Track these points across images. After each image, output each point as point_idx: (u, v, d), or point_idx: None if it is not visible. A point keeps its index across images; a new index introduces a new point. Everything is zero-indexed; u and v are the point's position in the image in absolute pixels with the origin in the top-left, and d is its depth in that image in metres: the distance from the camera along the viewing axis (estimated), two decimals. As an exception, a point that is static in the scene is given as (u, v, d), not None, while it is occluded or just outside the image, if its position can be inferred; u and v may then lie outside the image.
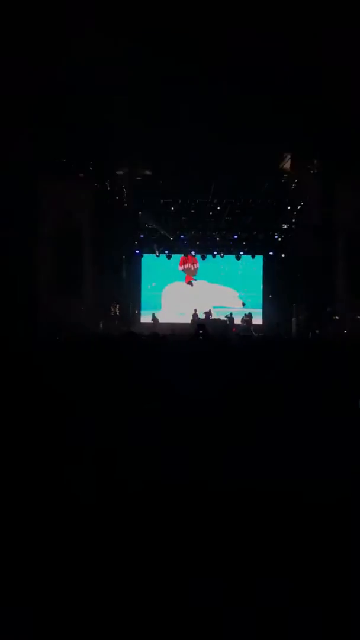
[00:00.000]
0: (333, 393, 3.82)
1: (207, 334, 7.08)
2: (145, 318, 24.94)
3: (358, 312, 19.77)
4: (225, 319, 23.55)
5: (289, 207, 22.92)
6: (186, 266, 25.94)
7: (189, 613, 1.63)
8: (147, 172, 20.06)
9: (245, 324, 23.53)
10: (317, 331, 19.80)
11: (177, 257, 25.81)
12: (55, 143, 17.40)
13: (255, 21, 14.13)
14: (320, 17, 13.89)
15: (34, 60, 14.21)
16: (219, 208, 22.98)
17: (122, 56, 14.30)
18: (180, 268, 25.93)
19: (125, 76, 14.80)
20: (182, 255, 25.73)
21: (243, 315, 24.21)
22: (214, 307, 24.40)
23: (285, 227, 24.98)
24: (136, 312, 25.72)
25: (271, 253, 26.45)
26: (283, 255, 26.13)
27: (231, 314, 23.91)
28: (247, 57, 14.92)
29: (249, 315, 24.16)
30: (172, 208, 22.98)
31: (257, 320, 25.05)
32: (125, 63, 14.46)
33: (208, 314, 23.45)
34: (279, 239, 25.81)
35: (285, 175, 20.07)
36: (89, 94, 14.22)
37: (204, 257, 25.69)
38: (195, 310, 23.91)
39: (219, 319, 23.38)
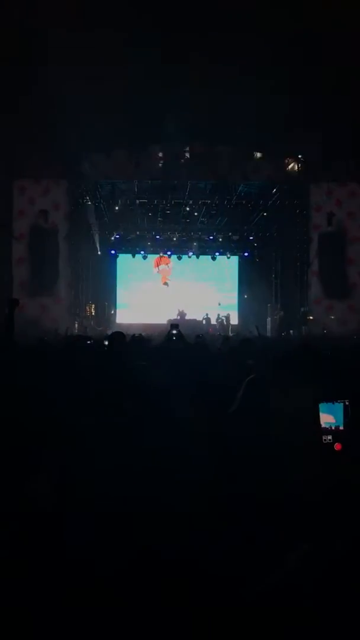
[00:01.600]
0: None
1: (180, 334, 7.04)
2: (121, 318, 24.90)
3: (332, 313, 20.00)
4: (202, 319, 23.62)
5: (264, 214, 23.09)
6: (161, 267, 25.96)
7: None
8: (124, 172, 19.99)
9: (220, 324, 23.63)
10: (291, 331, 19.98)
11: (153, 258, 25.83)
12: (28, 141, 17.22)
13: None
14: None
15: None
16: (195, 209, 23.04)
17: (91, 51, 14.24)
18: (155, 269, 25.95)
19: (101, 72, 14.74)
20: (158, 255, 25.75)
21: (218, 315, 24.31)
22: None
23: (260, 227, 25.20)
24: (112, 312, 25.65)
25: (246, 254, 26.66)
26: (257, 257, 26.36)
27: (207, 315, 24.00)
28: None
29: (226, 317, 24.26)
30: (149, 208, 22.97)
31: (233, 320, 25.18)
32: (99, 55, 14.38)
33: (182, 314, 23.50)
34: (254, 241, 26.03)
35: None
36: (61, 89, 14.08)
37: (179, 258, 25.76)
38: (182, 311, 23.84)
39: (194, 320, 23.43)
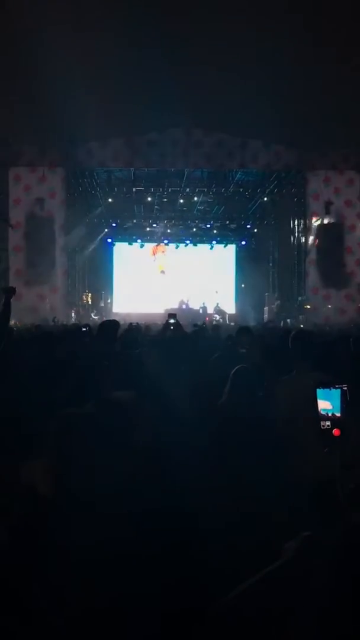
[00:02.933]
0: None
1: (178, 323, 6.99)
2: (118, 307, 24.86)
3: (329, 302, 20.00)
4: (198, 308, 23.59)
5: (264, 199, 23.01)
6: (157, 255, 25.89)
7: None
8: (120, 160, 19.87)
9: (218, 313, 23.60)
10: (288, 320, 19.98)
11: (149, 246, 25.75)
12: (24, 129, 17.08)
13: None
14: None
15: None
16: (192, 197, 22.94)
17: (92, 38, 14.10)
18: (152, 257, 25.88)
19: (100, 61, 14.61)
20: (155, 244, 25.67)
21: (216, 304, 24.27)
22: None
23: (258, 216, 25.14)
24: (108, 301, 25.61)
25: (243, 242, 26.60)
26: (255, 245, 26.32)
27: (204, 304, 23.97)
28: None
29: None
30: (145, 196, 22.87)
31: (230, 309, 25.17)
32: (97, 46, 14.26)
33: (182, 303, 23.47)
34: (251, 229, 25.97)
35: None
36: (57, 75, 13.95)
37: (176, 246, 25.68)
38: (183, 300, 23.76)
39: (191, 309, 23.41)
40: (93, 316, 21.83)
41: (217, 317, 22.61)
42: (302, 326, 15.34)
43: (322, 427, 1.39)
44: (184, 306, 23.23)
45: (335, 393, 1.45)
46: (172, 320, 6.97)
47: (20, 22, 13.74)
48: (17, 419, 3.07)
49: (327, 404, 1.45)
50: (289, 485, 3.02)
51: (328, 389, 1.45)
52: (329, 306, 19.98)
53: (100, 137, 19.21)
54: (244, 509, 2.56)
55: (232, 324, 18.19)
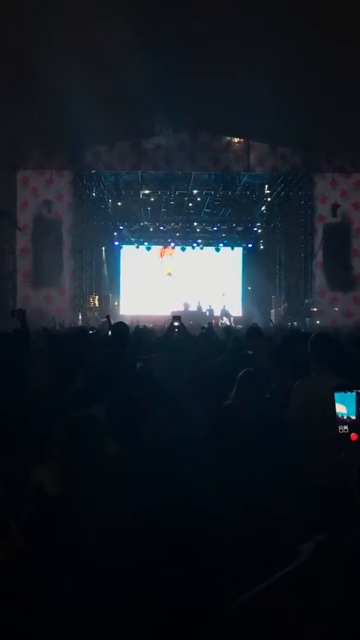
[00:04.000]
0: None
1: (182, 326, 6.98)
2: (125, 309, 24.86)
3: (336, 305, 19.96)
4: (205, 310, 23.55)
5: (269, 200, 22.98)
6: (165, 258, 25.90)
7: None
8: (127, 163, 19.91)
9: (225, 315, 23.56)
10: (295, 323, 19.92)
11: (156, 249, 25.76)
12: (33, 132, 17.16)
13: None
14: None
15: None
16: (198, 200, 22.94)
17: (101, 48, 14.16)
18: (160, 259, 25.88)
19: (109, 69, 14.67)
20: (162, 247, 25.68)
21: (223, 307, 24.23)
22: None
23: (264, 218, 25.12)
24: (115, 303, 25.62)
25: (250, 245, 26.57)
26: (261, 248, 26.28)
27: (210, 307, 23.93)
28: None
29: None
30: (152, 199, 22.89)
31: (237, 311, 25.13)
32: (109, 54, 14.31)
33: (187, 305, 23.45)
34: (258, 232, 25.94)
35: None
36: (65, 79, 14.00)
37: (183, 249, 25.68)
38: (192, 303, 23.74)
39: (198, 311, 23.37)
40: (100, 319, 21.83)
41: (224, 319, 22.57)
42: (317, 330, 15.27)
43: (339, 432, 1.38)
44: (190, 308, 23.20)
45: (351, 397, 1.43)
46: (176, 323, 6.97)
47: (26, 26, 13.84)
48: (26, 420, 3.08)
49: (342, 407, 1.44)
50: (298, 487, 3.01)
51: (344, 392, 1.44)
52: (336, 309, 19.92)
53: (107, 140, 19.27)
54: (248, 506, 2.55)
55: (240, 326, 18.14)
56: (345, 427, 1.37)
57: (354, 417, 1.40)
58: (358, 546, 1.25)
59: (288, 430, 3.50)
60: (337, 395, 1.40)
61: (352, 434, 1.35)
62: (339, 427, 1.37)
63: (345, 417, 1.40)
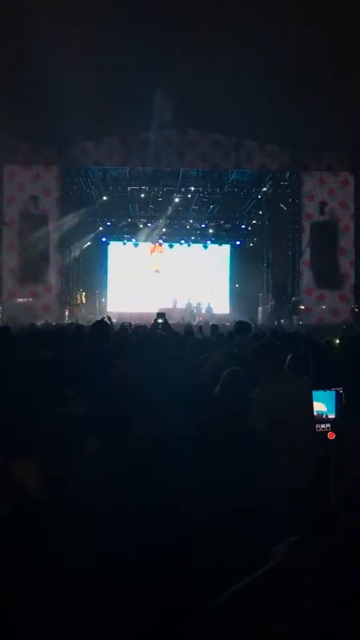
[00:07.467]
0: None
1: (167, 324, 6.98)
2: (112, 306, 24.77)
3: (323, 303, 20.03)
4: (192, 308, 23.55)
5: (258, 197, 23.01)
6: (154, 254, 25.82)
7: None
8: (115, 159, 19.81)
9: (207, 311, 23.58)
10: (282, 321, 19.98)
11: (145, 246, 25.64)
12: (19, 126, 16.98)
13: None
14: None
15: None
16: (187, 196, 22.91)
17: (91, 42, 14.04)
18: (150, 256, 25.78)
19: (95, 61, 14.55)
20: (150, 243, 25.59)
21: (207, 304, 24.23)
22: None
23: (252, 216, 25.14)
24: (103, 300, 25.51)
25: (238, 242, 26.59)
26: (249, 245, 26.32)
27: (198, 304, 23.93)
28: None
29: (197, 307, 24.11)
30: (140, 196, 22.81)
31: (224, 309, 25.15)
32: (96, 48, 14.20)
33: (175, 302, 23.43)
34: (246, 229, 25.96)
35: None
36: (52, 73, 13.87)
37: (171, 246, 25.62)
38: (178, 300, 23.65)
39: (187, 308, 23.37)
40: (87, 315, 21.75)
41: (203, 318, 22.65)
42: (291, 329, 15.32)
43: (317, 430, 1.37)
44: (178, 305, 23.18)
45: (330, 395, 1.43)
46: (160, 320, 6.99)
47: (15, 21, 13.69)
48: (9, 417, 3.04)
49: (321, 405, 1.43)
50: (273, 487, 3.00)
51: (323, 391, 1.43)
52: (323, 307, 20.00)
53: (95, 135, 19.14)
54: (231, 505, 2.55)
55: (228, 323, 18.15)
56: (323, 426, 1.36)
57: (332, 415, 1.40)
58: (332, 546, 1.24)
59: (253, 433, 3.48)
60: (315, 393, 1.39)
61: (329, 433, 1.34)
62: (317, 426, 1.36)
63: (324, 416, 1.40)
